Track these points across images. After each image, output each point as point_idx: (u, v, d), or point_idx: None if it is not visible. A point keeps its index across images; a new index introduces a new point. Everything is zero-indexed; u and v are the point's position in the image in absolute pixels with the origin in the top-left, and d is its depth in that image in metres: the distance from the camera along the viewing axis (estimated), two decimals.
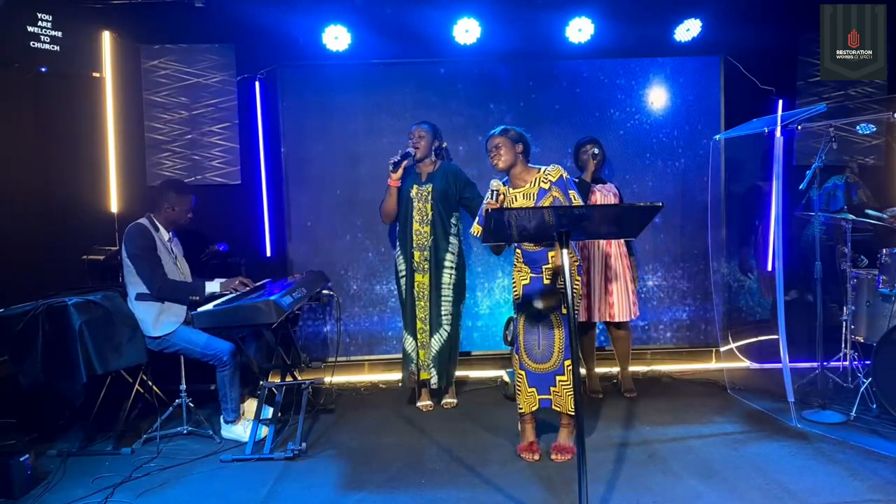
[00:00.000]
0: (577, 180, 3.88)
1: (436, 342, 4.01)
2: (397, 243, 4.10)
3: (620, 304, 4.13)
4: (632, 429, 3.63)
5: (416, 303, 4.01)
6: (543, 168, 3.27)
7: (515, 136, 3.27)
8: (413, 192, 3.98)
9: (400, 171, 3.92)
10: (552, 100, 4.83)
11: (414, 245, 3.99)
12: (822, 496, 2.79)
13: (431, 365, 4.02)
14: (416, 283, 4.00)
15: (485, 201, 3.23)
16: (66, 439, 3.61)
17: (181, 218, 3.73)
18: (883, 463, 3.09)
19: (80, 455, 3.44)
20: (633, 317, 4.21)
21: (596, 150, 4.09)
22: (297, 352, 4.16)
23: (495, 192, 3.15)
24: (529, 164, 3.31)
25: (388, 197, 4.01)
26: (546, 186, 3.21)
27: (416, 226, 3.98)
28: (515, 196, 3.24)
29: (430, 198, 3.98)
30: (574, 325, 2.62)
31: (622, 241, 4.15)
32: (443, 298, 4.02)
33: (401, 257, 4.07)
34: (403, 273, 4.05)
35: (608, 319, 4.17)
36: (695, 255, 4.92)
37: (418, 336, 4.02)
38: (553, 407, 3.24)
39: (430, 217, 3.98)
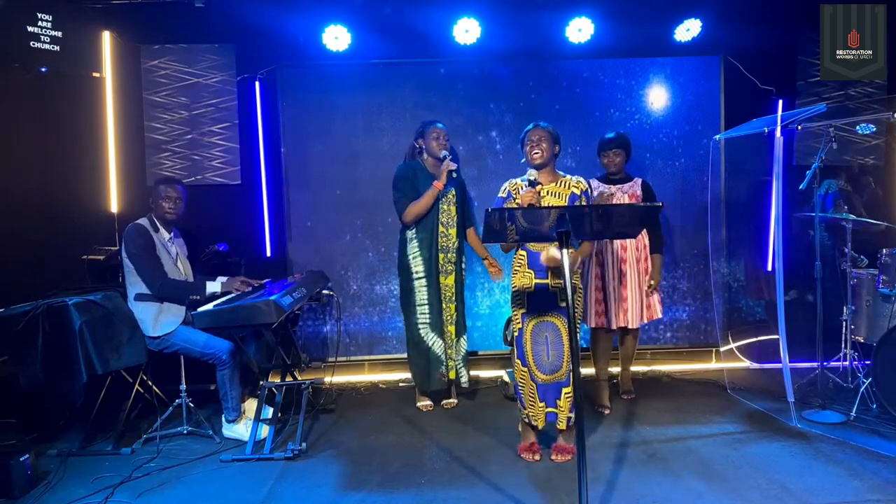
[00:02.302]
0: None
1: (464, 342, 4.07)
2: (413, 244, 3.97)
3: (633, 309, 3.97)
4: (632, 429, 3.63)
5: (446, 305, 4.00)
6: (568, 176, 3.25)
7: (556, 135, 3.25)
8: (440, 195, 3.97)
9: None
10: (552, 100, 4.83)
11: (441, 247, 3.97)
12: (822, 496, 2.79)
13: (461, 365, 4.05)
14: (441, 286, 3.99)
15: (504, 192, 3.24)
16: (66, 439, 3.62)
17: (163, 209, 3.65)
18: (883, 463, 3.09)
19: (80, 455, 3.44)
20: (645, 321, 4.04)
21: (610, 163, 3.96)
22: (297, 352, 4.16)
23: (534, 182, 3.07)
24: (556, 170, 3.29)
25: (427, 198, 3.87)
26: (577, 192, 3.19)
27: (442, 228, 3.97)
28: (543, 192, 3.19)
29: (455, 200, 3.99)
30: (574, 326, 2.60)
31: (644, 243, 4.01)
32: (465, 299, 4.10)
33: (418, 259, 3.96)
34: (422, 275, 3.97)
35: (623, 325, 4.00)
36: (695, 255, 4.92)
37: (446, 339, 4.01)
38: (557, 424, 3.20)
39: (455, 220, 3.99)
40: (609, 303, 4.00)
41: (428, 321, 3.97)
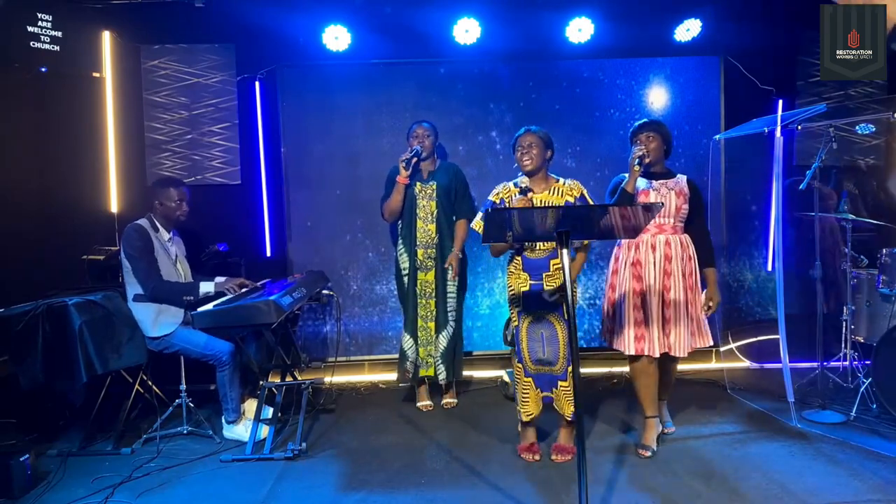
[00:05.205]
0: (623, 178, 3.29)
1: (443, 339, 4.03)
2: (399, 241, 4.08)
3: (680, 334, 3.26)
4: (632, 429, 3.63)
5: (419, 301, 4.01)
6: (562, 180, 3.20)
7: (548, 140, 3.19)
8: (417, 190, 3.99)
9: (410, 168, 3.90)
10: (552, 100, 4.83)
11: (418, 242, 3.99)
12: (822, 496, 2.79)
13: (440, 361, 4.02)
14: (419, 281, 4.00)
15: (497, 198, 3.22)
16: (66, 439, 3.61)
17: (173, 212, 3.68)
18: (883, 463, 3.09)
19: (80, 455, 3.44)
20: (690, 350, 3.30)
21: (642, 153, 3.18)
22: (296, 352, 4.16)
23: (526, 189, 3.09)
24: (549, 174, 3.24)
25: (394, 194, 3.95)
26: (572, 200, 3.13)
27: (420, 223, 3.99)
28: (535, 200, 3.14)
29: (434, 195, 3.99)
30: (575, 329, 2.58)
31: (687, 257, 3.29)
32: (448, 295, 4.03)
33: (404, 255, 4.04)
34: (407, 271, 4.04)
35: (665, 351, 3.27)
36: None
37: (419, 334, 4.02)
38: (553, 405, 3.21)
39: (434, 214, 3.99)
40: (649, 325, 3.26)
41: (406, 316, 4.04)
